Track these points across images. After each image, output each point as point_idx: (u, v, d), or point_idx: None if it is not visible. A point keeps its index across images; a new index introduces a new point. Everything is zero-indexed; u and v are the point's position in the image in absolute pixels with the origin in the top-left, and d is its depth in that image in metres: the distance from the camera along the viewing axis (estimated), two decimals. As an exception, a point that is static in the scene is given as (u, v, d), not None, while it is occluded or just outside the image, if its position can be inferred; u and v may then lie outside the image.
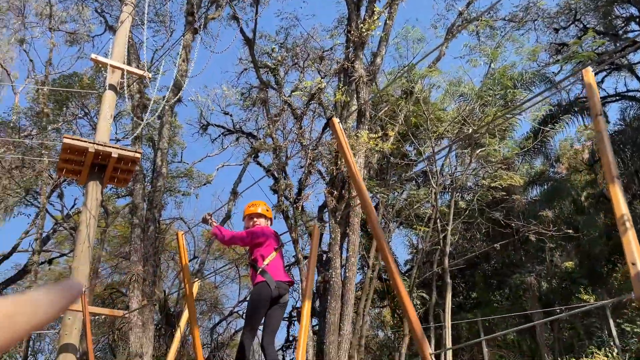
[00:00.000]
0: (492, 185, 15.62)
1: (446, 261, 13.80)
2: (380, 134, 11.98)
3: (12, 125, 21.37)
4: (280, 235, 5.48)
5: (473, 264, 22.83)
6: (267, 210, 5.63)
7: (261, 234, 5.25)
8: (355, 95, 12.67)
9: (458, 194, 16.50)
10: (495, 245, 16.75)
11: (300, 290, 26.30)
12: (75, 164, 9.01)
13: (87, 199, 8.74)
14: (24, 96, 25.22)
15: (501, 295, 23.53)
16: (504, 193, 17.23)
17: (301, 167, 15.03)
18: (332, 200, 12.24)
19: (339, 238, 12.57)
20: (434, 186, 14.06)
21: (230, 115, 22.79)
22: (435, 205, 14.43)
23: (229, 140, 24.06)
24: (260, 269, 4.97)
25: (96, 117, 22.20)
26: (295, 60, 19.25)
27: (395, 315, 23.55)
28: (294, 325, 26.55)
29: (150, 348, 12.78)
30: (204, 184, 26.27)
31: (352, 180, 3.70)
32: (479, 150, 14.84)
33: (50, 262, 28.22)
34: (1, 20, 22.80)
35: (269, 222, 5.60)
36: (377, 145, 11.75)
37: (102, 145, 8.74)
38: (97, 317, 24.68)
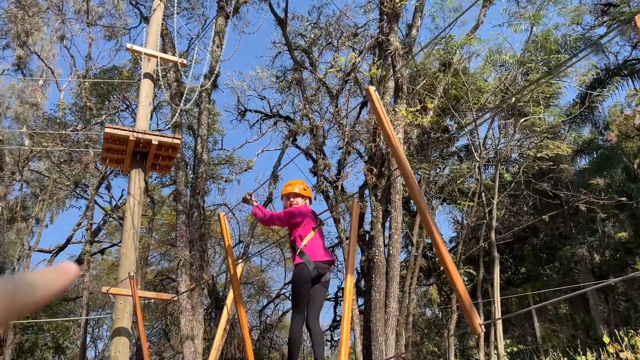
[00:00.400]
0: (538, 155, 15.07)
1: (492, 235, 13.45)
2: (418, 108, 11.65)
3: (58, 121, 22.07)
4: (320, 214, 5.40)
5: (521, 238, 22.27)
6: (305, 190, 5.55)
7: (298, 214, 5.21)
8: (391, 70, 12.39)
9: (503, 166, 16.00)
10: (543, 217, 16.23)
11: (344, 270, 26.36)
12: (118, 153, 9.19)
13: (131, 186, 8.91)
14: (68, 92, 26.02)
15: (551, 269, 22.91)
16: (551, 163, 16.62)
17: (339, 148, 14.91)
18: (372, 178, 12.07)
19: (380, 216, 12.44)
20: (478, 159, 13.67)
21: (267, 100, 22.87)
22: (480, 179, 14.05)
23: (267, 125, 24.15)
24: (298, 250, 4.97)
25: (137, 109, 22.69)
26: (329, 40, 19.02)
27: (443, 293, 23.31)
28: (340, 305, 26.71)
29: (201, 331, 13.06)
30: (245, 170, 26.55)
31: (391, 149, 3.56)
32: (523, 119, 14.31)
33: (102, 252, 29.27)
34: (42, 19, 23.43)
35: (307, 201, 5.53)
36: (416, 119, 11.47)
37: (141, 133, 8.86)
38: (150, 302, 25.49)
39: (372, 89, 3.66)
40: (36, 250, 24.45)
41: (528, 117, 14.22)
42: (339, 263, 22.63)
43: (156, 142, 8.86)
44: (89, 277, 18.41)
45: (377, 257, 11.91)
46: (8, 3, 22.63)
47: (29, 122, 23.76)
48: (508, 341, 18.74)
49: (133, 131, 8.81)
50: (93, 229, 23.04)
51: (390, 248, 11.88)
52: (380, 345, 11.40)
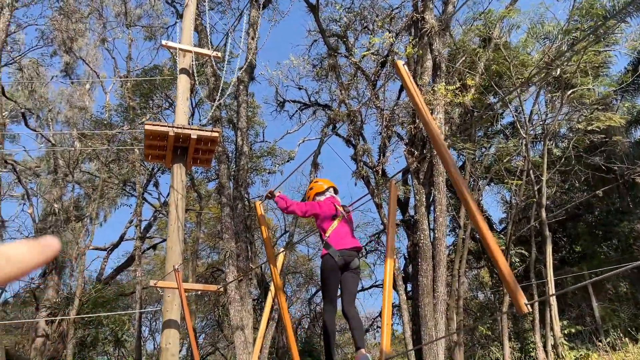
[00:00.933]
0: (589, 128, 14.36)
1: (543, 214, 12.93)
2: (458, 85, 11.26)
3: (105, 122, 22.77)
4: (360, 199, 5.33)
5: (574, 216, 21.42)
6: (316, 182, 5.66)
7: (317, 206, 5.28)
8: (428, 49, 12.04)
9: (551, 141, 15.35)
10: (597, 192, 15.50)
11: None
12: (160, 149, 9.34)
13: (174, 180, 9.05)
14: (113, 94, 26.79)
15: (609, 247, 21.93)
16: (603, 136, 15.82)
17: (379, 133, 14.65)
18: (413, 161, 11.82)
19: (424, 199, 12.19)
20: (524, 136, 13.14)
21: (305, 89, 22.85)
22: (527, 156, 13.52)
23: (306, 115, 24.18)
24: (324, 242, 5.04)
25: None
26: (364, 24, 18.73)
27: (494, 276, 22.76)
28: (389, 291, 26.55)
29: (250, 320, 13.23)
30: (287, 161, 26.72)
31: (423, 122, 3.41)
32: (571, 91, 13.65)
33: (154, 247, 30.17)
34: (85, 25, 24.13)
35: (332, 191, 5.59)
36: (456, 97, 11.10)
37: (180, 128, 8.96)
38: (202, 294, 26.07)
39: (400, 63, 3.52)
40: (91, 248, 25.42)
41: (576, 89, 13.55)
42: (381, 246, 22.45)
43: (195, 136, 8.94)
44: (141, 273, 18.95)
45: (422, 242, 11.70)
46: (52, 12, 23.41)
47: (78, 125, 24.62)
48: (565, 322, 18.10)
49: (172, 127, 8.92)
50: (144, 226, 23.75)
51: (436, 231, 11.62)
52: (429, 331, 11.22)
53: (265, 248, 4.89)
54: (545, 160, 13.02)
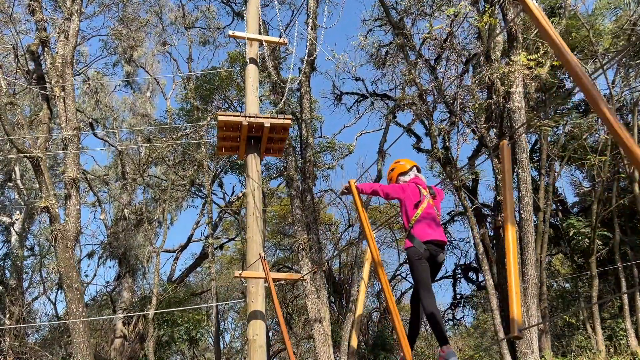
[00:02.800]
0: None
1: (636, 188, 11.96)
2: (540, 53, 10.53)
3: (168, 125, 23.27)
4: (438, 184, 4.94)
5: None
6: (405, 163, 5.21)
7: (400, 190, 4.85)
8: (502, 20, 11.39)
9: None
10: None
11: (458, 249, 25.38)
12: (232, 141, 9.27)
13: (249, 170, 8.95)
14: (173, 99, 27.42)
15: None
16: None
17: (450, 112, 14.04)
18: (492, 138, 11.21)
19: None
20: (609, 106, 12.17)
21: (362, 80, 22.51)
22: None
23: (363, 107, 23.87)
24: (408, 232, 4.71)
25: (239, 107, 23.36)
26: (422, 8, 18.14)
27: (573, 262, 21.59)
28: (460, 282, 25.82)
29: (327, 313, 13.02)
30: (346, 155, 26.50)
31: (563, 61, 3.02)
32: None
33: (221, 247, 30.63)
34: (145, 32, 24.75)
35: (415, 170, 5.16)
36: (538, 66, 10.38)
37: (253, 117, 8.84)
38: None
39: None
40: (162, 251, 26.07)
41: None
42: (453, 240, 21.76)
43: (268, 125, 8.80)
44: (214, 269, 19.19)
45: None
46: (113, 23, 24.13)
47: (143, 132, 25.30)
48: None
49: (245, 116, 8.81)
50: (212, 230, 24.11)
51: (522, 211, 10.97)
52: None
53: (361, 223, 4.61)
54: (635, 129, 12.05)
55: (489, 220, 18.18)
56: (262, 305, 8.12)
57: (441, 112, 18.00)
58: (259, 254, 7.24)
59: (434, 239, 4.63)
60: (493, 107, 11.13)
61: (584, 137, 15.30)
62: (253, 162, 9.04)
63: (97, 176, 27.56)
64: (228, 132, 9.08)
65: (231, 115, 8.91)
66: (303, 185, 14.23)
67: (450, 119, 15.73)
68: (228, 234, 31.26)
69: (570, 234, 16.56)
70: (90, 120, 25.71)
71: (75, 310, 12.03)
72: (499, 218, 12.62)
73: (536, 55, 10.25)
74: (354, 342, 5.77)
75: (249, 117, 8.83)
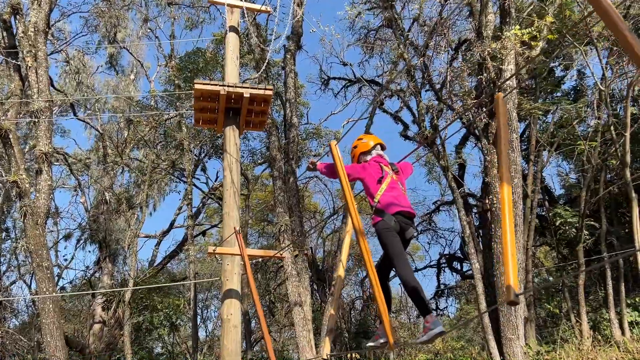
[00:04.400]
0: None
1: (627, 174, 11.66)
2: (535, 27, 10.11)
3: (151, 107, 22.66)
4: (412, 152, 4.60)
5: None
6: (368, 140, 4.97)
7: (360, 170, 4.67)
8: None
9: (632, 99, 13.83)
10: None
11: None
12: (210, 112, 8.83)
13: (226, 144, 8.49)
14: (157, 81, 26.76)
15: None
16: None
17: (439, 88, 13.60)
18: (482, 118, 10.85)
19: (495, 160, 11.22)
20: (602, 89, 11.83)
21: (350, 65, 22.08)
22: (608, 107, 12.11)
23: (351, 93, 23.50)
24: (373, 208, 4.49)
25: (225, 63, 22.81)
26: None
27: (558, 252, 21.43)
28: (444, 272, 25.59)
29: (308, 297, 12.65)
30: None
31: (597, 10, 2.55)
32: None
33: (203, 233, 30.13)
34: (128, 10, 24.00)
35: (379, 148, 4.95)
36: (534, 39, 9.96)
37: (232, 86, 8.38)
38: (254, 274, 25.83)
39: None
40: (142, 236, 25.50)
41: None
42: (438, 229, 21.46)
43: (248, 95, 8.36)
44: (194, 252, 18.70)
45: (495, 205, 10.75)
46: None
47: (126, 113, 24.63)
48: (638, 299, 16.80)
49: (223, 85, 8.35)
50: (193, 212, 23.60)
51: (512, 193, 10.61)
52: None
53: (343, 188, 4.21)
54: (628, 114, 11.73)
55: (474, 210, 17.94)
56: (237, 284, 7.70)
57: (429, 99, 17.69)
58: (234, 228, 6.80)
59: (403, 210, 4.43)
60: (484, 84, 10.75)
61: (574, 122, 15.02)
62: (231, 135, 8.59)
63: (78, 160, 26.87)
64: (205, 103, 8.63)
65: (209, 84, 8.44)
66: (286, 166, 13.79)
67: (438, 105, 15.36)
68: (212, 220, 30.78)
69: (557, 224, 16.35)
70: (71, 101, 24.99)
71: (45, 289, 11.52)
72: (487, 201, 12.31)
73: (529, 30, 9.85)
74: (333, 312, 5.39)
75: (228, 86, 8.38)
